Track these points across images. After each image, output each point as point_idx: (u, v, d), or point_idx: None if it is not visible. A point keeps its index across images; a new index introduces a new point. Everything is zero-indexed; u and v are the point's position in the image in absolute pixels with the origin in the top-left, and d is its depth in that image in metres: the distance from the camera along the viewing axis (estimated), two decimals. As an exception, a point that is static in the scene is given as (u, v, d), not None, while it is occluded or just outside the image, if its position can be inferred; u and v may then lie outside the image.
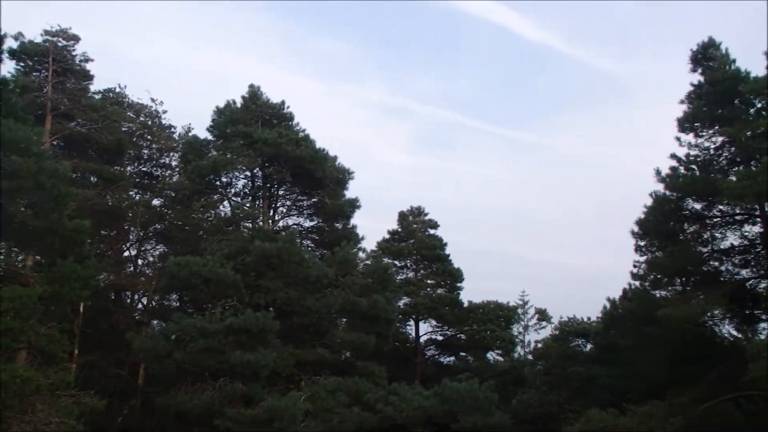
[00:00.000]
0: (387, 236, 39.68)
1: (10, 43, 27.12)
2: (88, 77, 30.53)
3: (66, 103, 28.84)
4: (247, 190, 31.18)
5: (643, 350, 26.56)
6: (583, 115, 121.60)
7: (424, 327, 38.69)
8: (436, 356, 40.37)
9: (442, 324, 38.66)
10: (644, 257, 26.99)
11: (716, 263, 25.97)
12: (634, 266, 27.42)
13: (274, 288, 26.94)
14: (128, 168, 35.27)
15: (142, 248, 35.14)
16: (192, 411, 24.88)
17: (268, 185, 31.06)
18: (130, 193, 33.57)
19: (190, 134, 34.62)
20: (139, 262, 35.03)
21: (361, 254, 31.37)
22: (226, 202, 31.20)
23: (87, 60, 30.26)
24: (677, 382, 23.47)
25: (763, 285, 25.24)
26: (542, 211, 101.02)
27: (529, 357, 44.72)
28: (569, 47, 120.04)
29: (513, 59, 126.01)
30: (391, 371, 30.21)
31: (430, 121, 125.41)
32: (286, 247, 26.59)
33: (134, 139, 35.02)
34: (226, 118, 30.15)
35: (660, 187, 25.87)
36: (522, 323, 50.43)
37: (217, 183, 30.53)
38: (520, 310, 48.98)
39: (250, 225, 29.79)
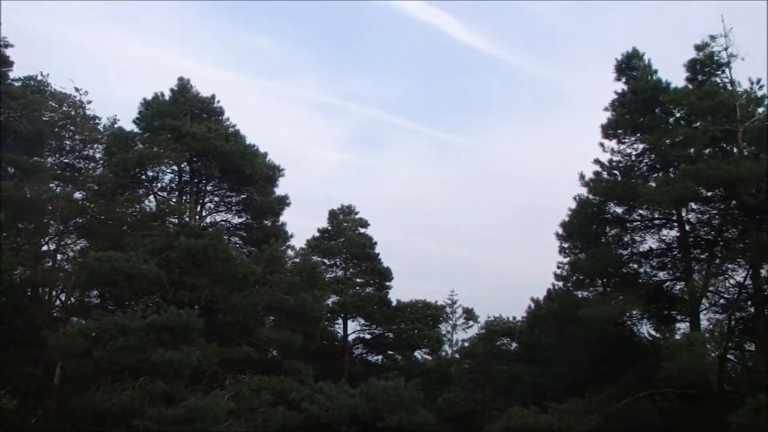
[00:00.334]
0: (317, 234, 39.48)
1: None
2: (7, 63, 29.52)
3: (-19, 89, 27.66)
4: (173, 185, 30.51)
5: (565, 349, 27.28)
6: (513, 118, 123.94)
7: (353, 326, 38.63)
8: (364, 355, 40.37)
9: (370, 323, 38.55)
10: (567, 258, 27.65)
11: (635, 265, 26.95)
12: (558, 267, 27.94)
13: (199, 285, 26.31)
14: (49, 159, 33.96)
15: (62, 243, 33.70)
16: (110, 411, 24.02)
17: (196, 180, 30.45)
18: (51, 185, 32.14)
19: (115, 126, 33.48)
20: (59, 257, 33.66)
21: (289, 252, 31.19)
22: (151, 197, 30.38)
23: (6, 45, 29.36)
24: (597, 380, 24.18)
25: (678, 286, 26.23)
26: (471, 211, 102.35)
27: (456, 356, 45.28)
28: (499, 50, 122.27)
29: (444, 60, 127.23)
30: (318, 370, 30.07)
31: (363, 120, 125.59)
32: (213, 243, 26.06)
33: (56, 130, 33.75)
34: (153, 111, 29.38)
35: (584, 191, 26.64)
36: (450, 322, 50.80)
37: (143, 177, 29.67)
38: (448, 310, 49.29)
39: (176, 220, 29.02)
